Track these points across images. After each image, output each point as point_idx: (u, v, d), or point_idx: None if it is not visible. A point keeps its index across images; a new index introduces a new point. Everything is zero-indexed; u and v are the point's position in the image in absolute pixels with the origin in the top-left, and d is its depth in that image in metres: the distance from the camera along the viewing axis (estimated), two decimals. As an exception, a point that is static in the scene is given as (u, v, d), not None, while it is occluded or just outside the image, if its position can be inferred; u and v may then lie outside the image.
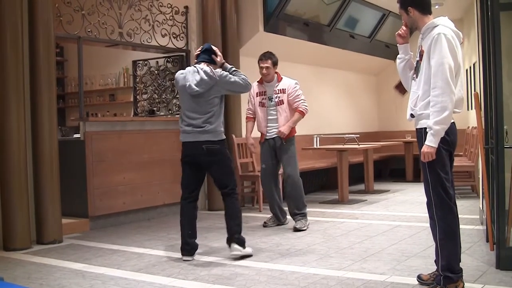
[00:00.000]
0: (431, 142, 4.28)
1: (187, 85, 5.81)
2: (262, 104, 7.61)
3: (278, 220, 7.80)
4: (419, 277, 4.76)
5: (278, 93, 7.55)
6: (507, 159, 5.13)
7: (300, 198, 7.54)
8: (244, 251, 5.83)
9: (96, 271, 5.49)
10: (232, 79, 5.87)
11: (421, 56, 4.50)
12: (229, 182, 5.93)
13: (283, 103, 7.53)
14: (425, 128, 4.36)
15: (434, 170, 4.38)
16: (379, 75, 14.82)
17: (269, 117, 7.59)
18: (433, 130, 4.25)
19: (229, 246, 5.88)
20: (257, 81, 7.69)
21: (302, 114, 7.58)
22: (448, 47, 4.27)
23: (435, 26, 4.40)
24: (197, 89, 5.77)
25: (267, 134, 7.61)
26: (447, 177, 4.42)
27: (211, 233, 7.11)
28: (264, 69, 7.54)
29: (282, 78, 7.64)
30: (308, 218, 7.73)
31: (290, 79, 7.66)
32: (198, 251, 6.04)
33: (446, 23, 4.42)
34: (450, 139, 4.39)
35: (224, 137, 5.98)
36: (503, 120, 5.02)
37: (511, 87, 5.88)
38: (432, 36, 4.35)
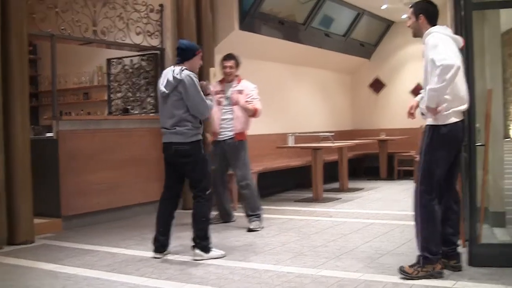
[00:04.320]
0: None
1: (158, 86, 5.91)
2: (218, 103, 7.53)
3: (223, 219, 7.95)
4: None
5: (235, 94, 7.52)
6: (479, 156, 5.18)
7: (253, 200, 7.53)
8: (208, 256, 5.79)
9: (69, 271, 5.43)
10: (199, 92, 5.76)
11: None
12: (199, 184, 5.87)
13: (239, 104, 7.49)
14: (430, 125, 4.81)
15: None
16: (354, 73, 14.86)
17: (223, 117, 7.54)
18: None
19: (192, 249, 5.87)
20: (218, 81, 7.70)
21: (256, 110, 7.51)
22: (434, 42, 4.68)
23: (430, 33, 4.78)
24: (163, 90, 5.80)
25: (219, 136, 7.58)
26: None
27: (185, 232, 7.04)
28: (227, 68, 7.55)
29: (241, 80, 7.64)
30: (282, 216, 7.84)
31: (250, 83, 7.64)
32: (172, 250, 6.04)
33: (440, 30, 4.78)
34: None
35: (197, 138, 5.86)
36: (475, 118, 5.07)
37: (483, 86, 5.93)
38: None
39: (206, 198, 5.90)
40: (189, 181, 5.98)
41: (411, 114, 5.12)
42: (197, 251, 5.79)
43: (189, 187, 5.99)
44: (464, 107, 4.80)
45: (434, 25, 4.88)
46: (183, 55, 5.91)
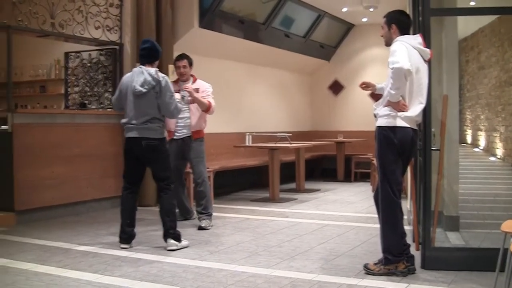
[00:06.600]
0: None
1: (133, 85, 6.07)
2: None
3: (183, 215, 7.94)
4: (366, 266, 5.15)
5: (189, 88, 7.42)
6: (434, 160, 5.24)
7: (208, 198, 7.56)
8: (180, 245, 6.11)
9: (20, 266, 5.34)
10: (172, 95, 6.20)
11: None
12: (166, 176, 6.25)
13: (193, 95, 7.37)
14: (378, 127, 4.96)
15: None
16: (313, 75, 14.92)
17: (180, 115, 7.42)
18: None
19: (165, 241, 6.10)
20: (173, 81, 7.54)
21: (210, 105, 7.40)
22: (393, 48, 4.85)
23: (395, 41, 4.94)
24: (140, 89, 6.05)
25: (176, 134, 7.53)
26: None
27: (139, 228, 7.01)
28: (181, 68, 7.49)
29: (196, 79, 7.61)
30: (237, 215, 7.89)
31: (205, 82, 7.62)
32: (125, 247, 6.09)
33: (405, 39, 4.92)
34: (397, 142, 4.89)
35: (164, 136, 6.31)
36: (431, 123, 5.13)
37: (440, 92, 6.01)
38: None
39: (171, 190, 6.30)
40: (155, 175, 6.29)
41: (362, 85, 5.41)
42: (172, 241, 6.09)
43: (156, 180, 6.32)
44: (415, 115, 4.88)
45: (406, 34, 5.02)
46: (154, 55, 6.29)
